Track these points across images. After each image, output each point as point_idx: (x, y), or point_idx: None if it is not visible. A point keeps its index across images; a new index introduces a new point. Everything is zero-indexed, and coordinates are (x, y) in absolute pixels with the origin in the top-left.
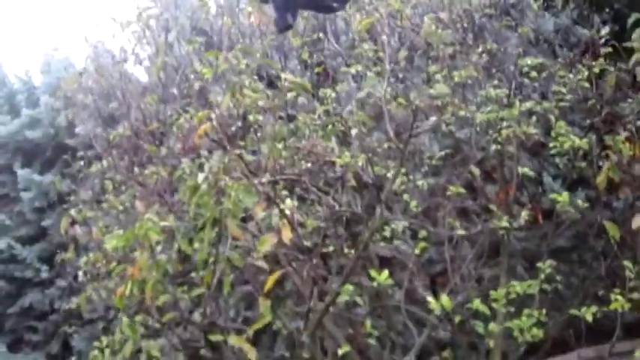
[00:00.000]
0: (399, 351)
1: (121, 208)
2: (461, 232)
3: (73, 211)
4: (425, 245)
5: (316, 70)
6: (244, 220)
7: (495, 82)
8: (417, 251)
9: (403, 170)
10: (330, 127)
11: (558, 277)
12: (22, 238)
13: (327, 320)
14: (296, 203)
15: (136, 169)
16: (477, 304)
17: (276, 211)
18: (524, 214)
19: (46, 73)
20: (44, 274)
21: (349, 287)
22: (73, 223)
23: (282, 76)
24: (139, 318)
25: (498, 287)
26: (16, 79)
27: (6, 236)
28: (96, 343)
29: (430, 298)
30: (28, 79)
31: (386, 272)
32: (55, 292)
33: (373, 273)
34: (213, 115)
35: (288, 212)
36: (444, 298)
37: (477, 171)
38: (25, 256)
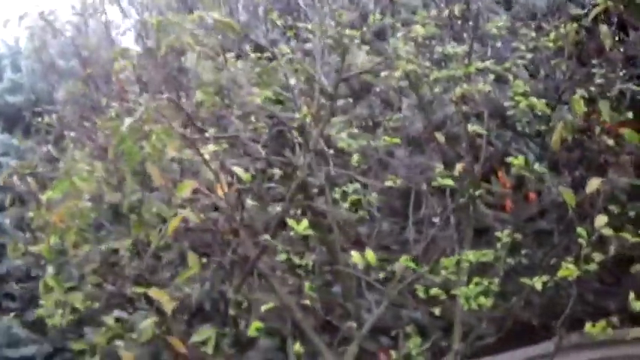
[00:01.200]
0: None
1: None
2: (389, 183)
3: (13, 162)
4: (357, 198)
5: (289, 33)
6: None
7: (464, 46)
8: (345, 205)
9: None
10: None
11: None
12: None
13: (280, 287)
14: (216, 148)
15: (86, 124)
16: (404, 260)
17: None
18: (459, 167)
19: (30, 38)
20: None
21: (267, 237)
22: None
23: (212, 15)
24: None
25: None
26: (2, 43)
27: None
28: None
29: (353, 253)
30: (14, 45)
31: (305, 222)
32: (30, 258)
33: (292, 223)
34: (133, 53)
35: (207, 157)
36: (369, 253)
37: (441, 137)
38: (1, 221)
